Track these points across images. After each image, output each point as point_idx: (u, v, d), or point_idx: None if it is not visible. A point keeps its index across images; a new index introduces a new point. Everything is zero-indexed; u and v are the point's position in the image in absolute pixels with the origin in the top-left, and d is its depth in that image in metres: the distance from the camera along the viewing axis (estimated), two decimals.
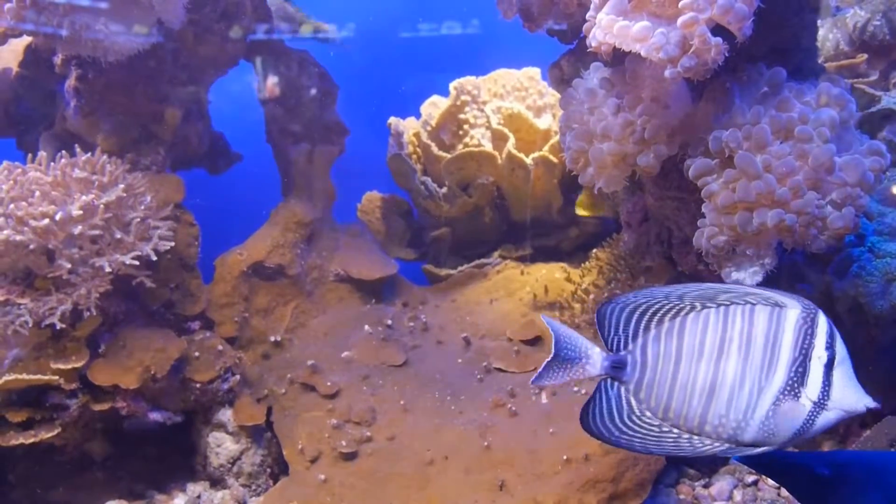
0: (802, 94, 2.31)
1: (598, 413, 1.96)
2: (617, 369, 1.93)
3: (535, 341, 3.13)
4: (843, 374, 1.75)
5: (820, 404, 1.74)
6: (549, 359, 2.01)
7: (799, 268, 2.76)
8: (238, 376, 2.95)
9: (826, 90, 2.31)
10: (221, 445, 2.88)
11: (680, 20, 2.06)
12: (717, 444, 1.86)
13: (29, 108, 3.33)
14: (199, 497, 2.85)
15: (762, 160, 2.23)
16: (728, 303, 1.83)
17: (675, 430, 1.90)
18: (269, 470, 2.90)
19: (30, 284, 2.62)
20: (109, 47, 2.74)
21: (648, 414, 1.92)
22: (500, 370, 2.99)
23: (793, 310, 1.77)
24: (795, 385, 1.75)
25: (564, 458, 2.47)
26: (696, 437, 1.88)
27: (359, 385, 2.94)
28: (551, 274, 3.42)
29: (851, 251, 2.67)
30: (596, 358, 1.95)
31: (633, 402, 1.94)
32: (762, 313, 1.79)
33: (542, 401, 2.76)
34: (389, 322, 3.25)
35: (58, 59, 3.00)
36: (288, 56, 3.51)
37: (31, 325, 2.56)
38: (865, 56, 3.15)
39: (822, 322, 1.75)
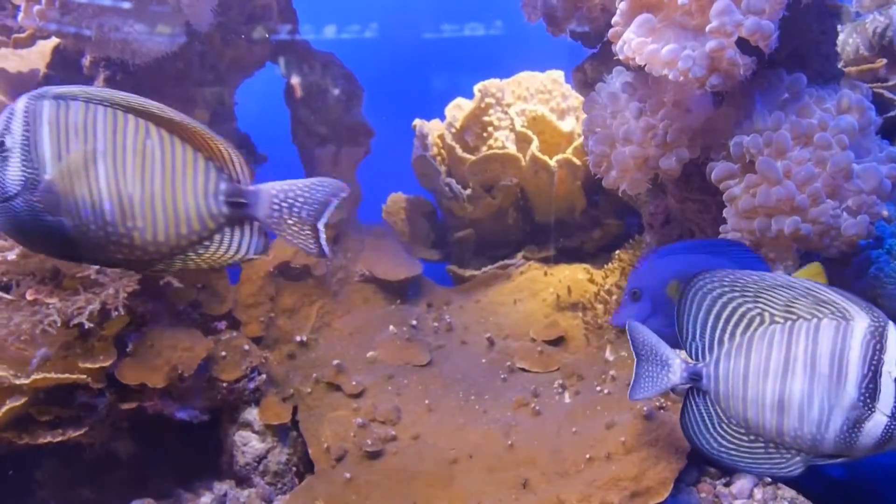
0: (823, 101, 2.32)
1: (693, 421, 2.01)
2: (696, 380, 1.96)
3: (559, 342, 3.13)
4: None
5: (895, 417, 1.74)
6: (635, 370, 2.06)
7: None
8: (264, 376, 2.97)
9: (847, 97, 2.32)
10: (248, 444, 2.90)
11: (707, 46, 2.09)
12: (805, 459, 1.88)
13: None
14: (225, 495, 2.86)
15: (782, 166, 2.24)
16: (795, 317, 1.84)
17: (761, 440, 1.92)
18: (294, 468, 2.91)
19: (58, 284, 2.64)
20: (138, 49, 2.76)
21: (735, 423, 1.95)
22: (523, 370, 3.00)
23: (860, 324, 1.77)
24: (868, 400, 1.75)
25: (587, 456, 2.48)
26: (784, 451, 1.90)
27: (384, 385, 2.95)
28: (574, 275, 3.42)
29: (870, 253, 2.68)
30: (676, 367, 1.99)
31: (720, 411, 1.97)
32: (827, 330, 1.79)
33: (565, 400, 2.77)
34: (414, 322, 3.26)
35: (86, 61, 3.02)
36: (314, 58, 3.53)
37: (59, 324, 2.58)
38: (885, 61, 3.15)
39: (893, 335, 1.75)
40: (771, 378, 1.85)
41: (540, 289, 3.43)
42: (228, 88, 3.40)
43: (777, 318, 1.87)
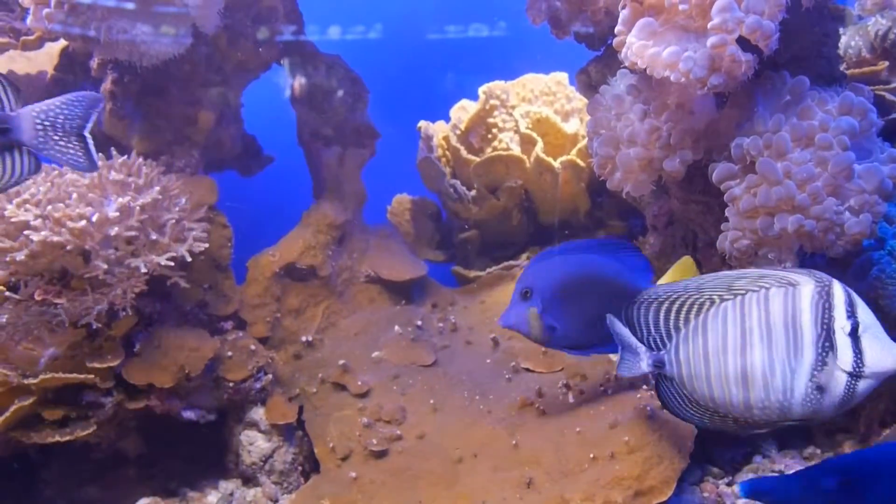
0: (825, 103, 2.33)
1: (671, 400, 2.05)
2: (659, 367, 2.00)
3: None
4: (873, 338, 1.78)
5: (855, 373, 1.77)
6: (619, 355, 2.11)
7: (820, 270, 2.78)
8: (270, 376, 2.98)
9: (848, 99, 2.33)
10: (254, 444, 2.92)
11: (709, 42, 2.10)
12: (769, 428, 1.94)
13: None
14: (231, 494, 2.88)
15: (783, 167, 2.26)
16: (744, 291, 1.88)
17: (730, 419, 1.96)
18: (300, 468, 2.93)
19: (66, 284, 2.65)
20: (145, 51, 2.78)
21: (702, 406, 1.99)
22: (528, 370, 3.00)
23: (806, 286, 1.82)
24: (827, 360, 1.78)
25: (591, 456, 2.49)
26: (752, 426, 1.95)
27: (389, 384, 2.96)
28: None
29: (871, 254, 2.69)
30: (643, 356, 2.03)
31: (686, 394, 2.00)
32: (776, 297, 1.84)
33: (569, 400, 2.78)
34: (419, 322, 3.27)
35: (94, 63, 3.03)
36: (319, 60, 3.53)
37: (67, 324, 2.59)
38: (886, 63, 3.16)
39: (839, 292, 1.80)
40: (731, 353, 1.88)
41: None
42: (234, 90, 3.41)
43: (726, 297, 1.91)
